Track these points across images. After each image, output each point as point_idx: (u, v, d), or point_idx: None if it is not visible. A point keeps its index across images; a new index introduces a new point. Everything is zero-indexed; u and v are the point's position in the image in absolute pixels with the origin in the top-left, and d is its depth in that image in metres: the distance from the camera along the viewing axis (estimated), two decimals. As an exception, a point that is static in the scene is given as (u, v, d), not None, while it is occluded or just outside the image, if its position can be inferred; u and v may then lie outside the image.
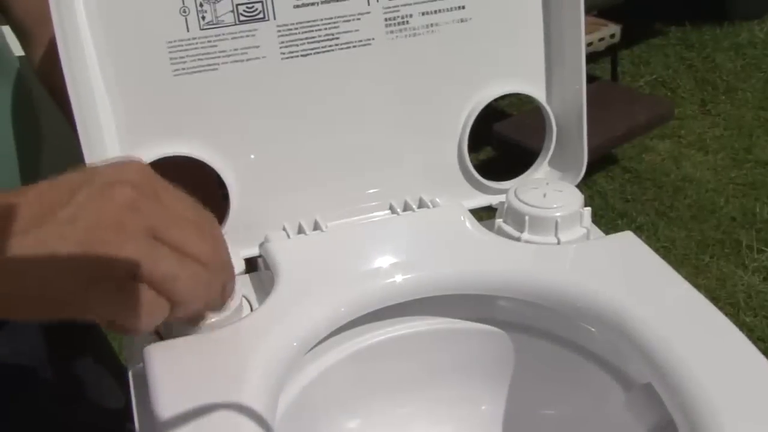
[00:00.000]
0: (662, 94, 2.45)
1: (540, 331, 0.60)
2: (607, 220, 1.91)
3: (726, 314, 0.52)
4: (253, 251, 0.63)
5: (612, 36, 2.19)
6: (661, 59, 2.64)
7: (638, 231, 1.86)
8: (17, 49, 0.65)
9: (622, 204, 1.98)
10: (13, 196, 0.37)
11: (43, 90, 0.65)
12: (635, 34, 2.64)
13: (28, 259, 0.36)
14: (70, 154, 0.60)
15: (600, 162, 2.06)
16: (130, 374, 0.56)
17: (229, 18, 0.57)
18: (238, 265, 0.56)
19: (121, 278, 0.37)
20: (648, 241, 0.60)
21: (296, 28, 0.59)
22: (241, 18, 0.57)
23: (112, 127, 0.57)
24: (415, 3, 0.61)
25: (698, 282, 1.68)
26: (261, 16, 0.58)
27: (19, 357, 0.63)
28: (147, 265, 0.37)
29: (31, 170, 0.63)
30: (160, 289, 0.38)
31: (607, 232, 0.63)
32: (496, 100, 0.66)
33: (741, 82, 2.46)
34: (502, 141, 1.94)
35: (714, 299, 0.53)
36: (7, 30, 0.64)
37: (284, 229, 0.63)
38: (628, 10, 2.37)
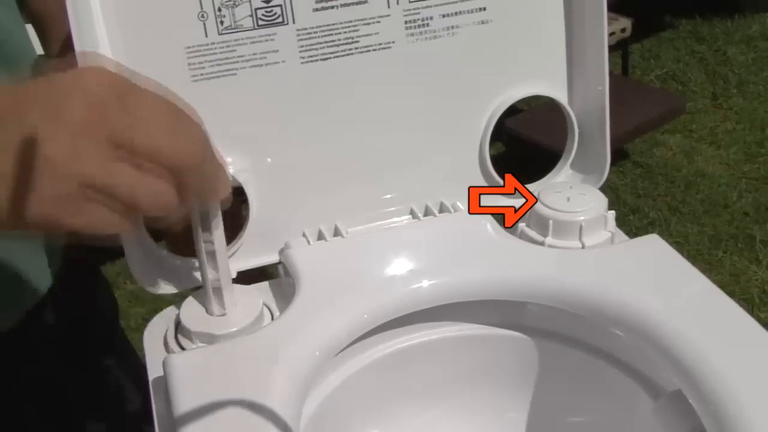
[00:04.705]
0: (673, 88, 2.43)
1: (566, 338, 0.60)
2: (619, 215, 1.90)
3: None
4: (273, 258, 0.62)
5: (623, 30, 2.18)
6: (671, 53, 2.63)
7: (650, 226, 1.85)
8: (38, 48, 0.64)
9: (634, 199, 1.97)
10: None
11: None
12: (645, 28, 2.62)
13: None
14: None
15: (611, 157, 2.05)
16: (150, 382, 0.55)
17: (248, 22, 0.56)
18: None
19: (82, 193, 0.37)
20: (660, 236, 0.60)
21: (316, 32, 0.58)
22: (260, 22, 0.56)
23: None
24: (436, 5, 0.60)
25: (711, 278, 1.66)
26: (280, 20, 0.57)
27: (40, 358, 0.63)
28: (103, 178, 0.37)
29: None
30: (122, 200, 0.38)
31: (618, 227, 0.62)
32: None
33: (753, 75, 2.45)
34: (514, 137, 1.93)
35: (728, 295, 0.53)
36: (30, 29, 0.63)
37: (304, 235, 0.62)
38: (638, 3, 2.35)
